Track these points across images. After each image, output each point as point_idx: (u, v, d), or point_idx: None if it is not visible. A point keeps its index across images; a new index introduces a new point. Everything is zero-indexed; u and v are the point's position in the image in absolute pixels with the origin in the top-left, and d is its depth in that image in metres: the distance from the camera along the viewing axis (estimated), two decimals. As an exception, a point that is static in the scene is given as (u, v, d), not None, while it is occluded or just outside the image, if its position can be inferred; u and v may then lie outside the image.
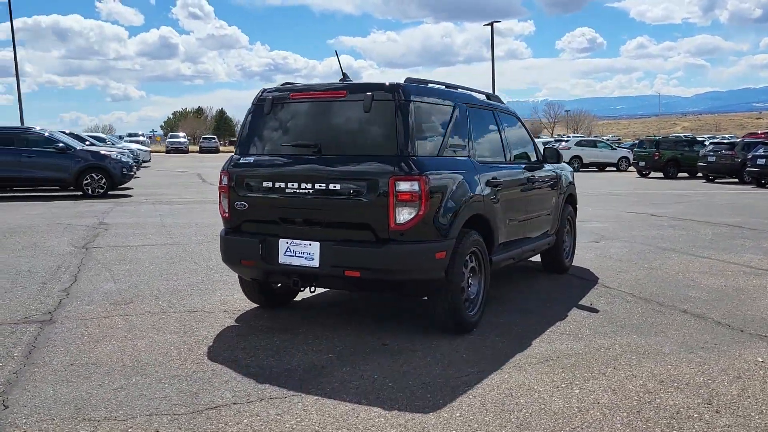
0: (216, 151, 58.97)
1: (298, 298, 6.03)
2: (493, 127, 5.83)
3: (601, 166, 35.49)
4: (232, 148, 72.08)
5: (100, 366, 4.24)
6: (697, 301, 6.05)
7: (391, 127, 4.54)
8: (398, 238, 4.47)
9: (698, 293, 6.34)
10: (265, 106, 5.01)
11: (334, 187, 4.61)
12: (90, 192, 16.58)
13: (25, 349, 4.57)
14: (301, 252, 4.68)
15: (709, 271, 7.39)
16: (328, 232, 4.66)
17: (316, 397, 3.75)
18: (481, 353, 4.55)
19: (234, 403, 3.66)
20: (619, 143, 50.98)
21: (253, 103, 5.12)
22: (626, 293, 6.34)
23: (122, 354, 4.48)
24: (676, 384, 3.99)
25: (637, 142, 40.16)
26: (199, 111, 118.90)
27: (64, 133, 22.74)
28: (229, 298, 5.94)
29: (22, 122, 33.47)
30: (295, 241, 4.72)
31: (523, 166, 6.21)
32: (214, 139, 62.36)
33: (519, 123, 6.57)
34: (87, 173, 16.62)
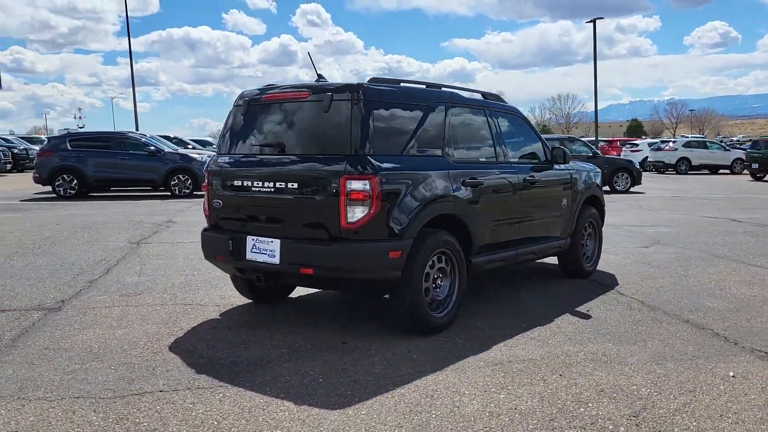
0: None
1: (294, 294, 6.18)
2: (482, 127, 5.71)
3: (713, 169, 33.32)
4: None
5: (69, 351, 4.56)
6: (709, 310, 5.66)
7: (346, 127, 4.58)
8: (350, 236, 4.51)
9: (717, 303, 5.91)
10: (242, 108, 5.19)
11: (292, 186, 4.72)
12: (177, 192, 17.59)
13: (17, 333, 4.98)
14: (264, 249, 4.81)
15: (747, 281, 6.86)
16: (288, 230, 4.77)
17: (240, 390, 3.86)
18: (434, 355, 4.49)
19: (160, 391, 3.84)
20: (741, 144, 47.61)
21: (233, 105, 5.32)
22: (637, 300, 6.02)
23: (96, 341, 4.79)
24: (614, 394, 3.79)
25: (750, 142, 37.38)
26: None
27: (168, 137, 24.26)
28: (229, 293, 6.16)
29: (137, 128, 35.95)
30: (260, 238, 4.86)
31: (523, 166, 6.05)
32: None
33: (523, 123, 6.38)
34: (174, 174, 17.64)
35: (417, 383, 3.97)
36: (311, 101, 4.79)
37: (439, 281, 4.99)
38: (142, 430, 3.32)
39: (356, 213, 4.47)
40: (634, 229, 11.05)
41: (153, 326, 5.16)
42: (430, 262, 4.88)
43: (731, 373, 4.15)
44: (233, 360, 4.39)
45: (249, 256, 4.91)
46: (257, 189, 4.89)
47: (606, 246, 9.12)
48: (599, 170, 7.52)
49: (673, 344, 4.75)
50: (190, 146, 25.31)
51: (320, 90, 4.77)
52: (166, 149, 18.36)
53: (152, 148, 17.83)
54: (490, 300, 6.03)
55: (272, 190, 4.81)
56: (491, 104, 5.95)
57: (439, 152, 5.11)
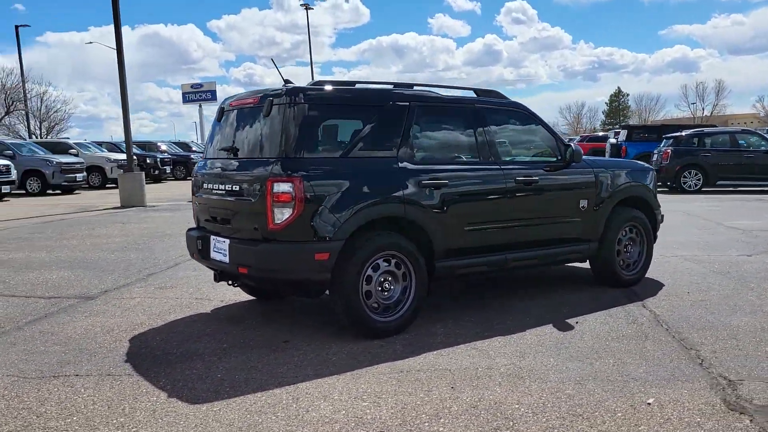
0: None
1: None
2: (462, 126, 5.45)
3: None
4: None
5: (52, 335, 5.15)
6: (721, 330, 4.91)
7: (278, 130, 4.68)
8: (277, 237, 4.60)
9: (741, 322, 5.11)
10: (216, 114, 5.49)
11: (236, 188, 4.92)
12: None
13: (34, 318, 5.71)
14: (220, 248, 5.06)
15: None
16: (235, 231, 4.97)
17: (140, 379, 4.14)
18: (355, 358, 4.43)
19: (76, 375, 4.24)
20: None
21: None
22: (652, 314, 5.39)
23: (82, 328, 5.34)
24: (481, 412, 3.51)
25: None
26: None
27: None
28: (242, 291, 6.47)
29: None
30: (218, 238, 5.11)
31: (519, 166, 5.67)
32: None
33: (528, 121, 5.95)
34: None
35: (300, 385, 3.97)
36: (259, 106, 4.94)
37: (386, 285, 4.89)
38: (20, 408, 3.72)
39: (283, 214, 4.55)
40: (760, 234, 9.70)
41: (144, 317, 5.64)
42: (373, 265, 4.80)
43: (650, 400, 3.63)
44: (169, 352, 4.69)
45: (212, 255, 5.19)
46: (215, 192, 5.17)
47: (705, 250, 8.23)
48: (648, 169, 6.77)
49: (629, 364, 4.23)
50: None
51: (265, 95, 4.91)
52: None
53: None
54: (479, 305, 5.74)
55: (224, 192, 5.05)
56: (483, 101, 5.65)
57: (393, 154, 4.99)
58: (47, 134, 45.66)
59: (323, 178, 4.64)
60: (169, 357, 4.58)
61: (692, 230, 10.21)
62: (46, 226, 12.62)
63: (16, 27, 39.14)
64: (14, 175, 20.57)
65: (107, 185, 25.69)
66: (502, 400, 3.67)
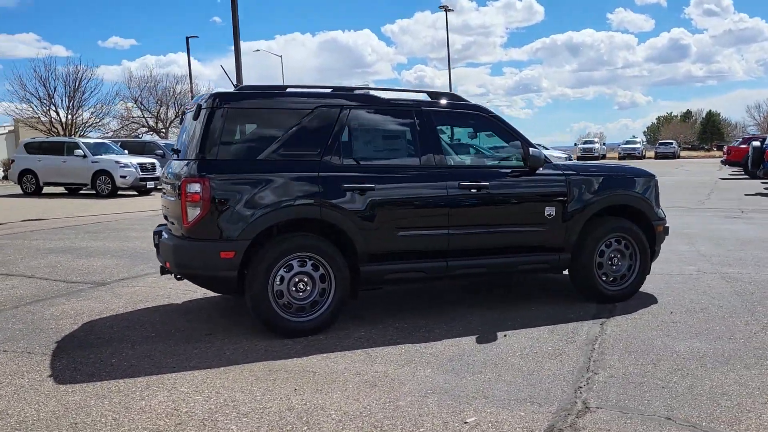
0: (674, 156, 55.41)
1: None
2: (402, 130, 5.37)
3: None
4: (710, 153, 65.67)
5: (26, 315, 5.78)
6: (652, 355, 4.47)
7: (199, 133, 4.93)
8: (190, 235, 4.87)
9: (689, 348, 4.61)
10: (181, 117, 5.87)
11: (170, 188, 5.25)
12: None
13: (34, 300, 6.41)
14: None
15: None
16: (171, 228, 5.30)
17: (48, 358, 4.59)
18: (247, 355, 4.57)
19: (4, 351, 4.77)
20: None
21: None
22: (603, 332, 5.01)
23: (70, 310, 5.91)
24: (276, 410, 3.52)
25: None
26: (687, 114, 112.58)
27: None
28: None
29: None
30: (165, 235, 5.47)
31: (467, 171, 5.49)
32: (672, 144, 58.51)
33: (490, 124, 5.70)
34: None
35: (167, 375, 4.20)
36: (195, 111, 5.23)
37: (301, 285, 4.97)
38: (-69, 375, 4.29)
39: (194, 213, 4.81)
40: None
41: (120, 304, 6.15)
42: (286, 266, 4.91)
43: (470, 419, 3.45)
44: (102, 336, 5.11)
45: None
46: (164, 191, 5.57)
47: (760, 267, 7.36)
48: (646, 176, 6.18)
49: (502, 382, 4.00)
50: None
51: (200, 99, 5.19)
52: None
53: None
54: (423, 310, 5.62)
55: (167, 192, 5.41)
56: (431, 104, 5.52)
57: (315, 157, 5.05)
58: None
59: (233, 180, 4.83)
60: (97, 341, 4.99)
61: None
62: (151, 219, 13.86)
63: (187, 38, 42.91)
64: (159, 172, 22.71)
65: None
66: (325, 406, 3.66)
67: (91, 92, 40.97)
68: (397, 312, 5.66)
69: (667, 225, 6.29)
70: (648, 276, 6.12)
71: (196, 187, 4.78)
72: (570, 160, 28.83)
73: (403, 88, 5.76)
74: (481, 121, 5.73)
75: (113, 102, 43.65)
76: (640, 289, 6.09)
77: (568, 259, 5.79)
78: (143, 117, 47.47)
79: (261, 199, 4.85)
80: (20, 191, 21.61)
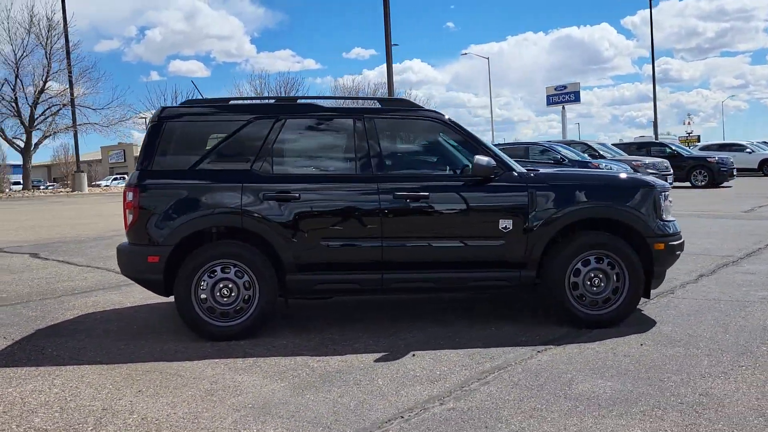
0: None
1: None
2: (341, 138, 5.28)
3: None
4: None
5: (45, 303, 6.61)
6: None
7: (143, 144, 5.33)
8: (128, 240, 5.29)
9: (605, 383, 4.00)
10: None
11: None
12: (695, 184, 23.69)
13: (74, 292, 7.30)
14: None
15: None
16: None
17: (9, 343, 5.26)
18: (156, 355, 4.84)
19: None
20: None
21: None
22: (533, 358, 4.54)
23: (74, 302, 6.66)
24: (99, 410, 3.74)
25: None
26: None
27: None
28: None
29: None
30: None
31: (405, 181, 5.24)
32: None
33: (445, 132, 5.39)
34: (693, 170, 23.93)
35: (70, 367, 4.60)
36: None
37: (225, 291, 5.12)
38: None
39: (129, 220, 5.21)
40: None
41: (131, 299, 6.78)
42: (209, 272, 5.10)
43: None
44: (77, 328, 5.66)
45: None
46: None
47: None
48: (640, 186, 5.35)
49: (338, 402, 3.85)
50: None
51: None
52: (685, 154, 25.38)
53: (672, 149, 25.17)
54: (368, 323, 5.46)
55: None
56: (375, 111, 5.34)
57: (246, 166, 5.18)
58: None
59: (161, 189, 5.15)
60: (67, 331, 5.59)
61: None
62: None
63: (387, 46, 44.62)
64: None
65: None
66: (136, 410, 3.80)
67: (301, 100, 44.25)
68: (339, 323, 5.59)
69: (674, 242, 5.42)
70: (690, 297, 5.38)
71: (130, 196, 5.17)
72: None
73: (356, 97, 5.67)
74: (436, 128, 5.44)
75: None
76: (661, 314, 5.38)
77: (532, 277, 5.27)
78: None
79: (186, 207, 5.10)
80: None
